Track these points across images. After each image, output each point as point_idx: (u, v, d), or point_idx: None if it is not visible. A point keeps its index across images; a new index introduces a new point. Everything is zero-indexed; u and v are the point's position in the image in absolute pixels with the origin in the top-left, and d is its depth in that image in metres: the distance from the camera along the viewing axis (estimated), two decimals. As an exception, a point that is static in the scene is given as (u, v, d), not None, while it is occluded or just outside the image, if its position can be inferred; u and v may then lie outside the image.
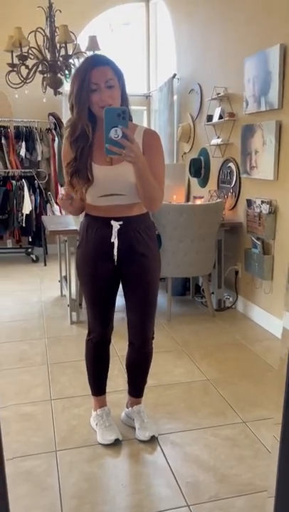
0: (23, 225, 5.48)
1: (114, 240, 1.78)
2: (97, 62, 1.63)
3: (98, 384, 2.09)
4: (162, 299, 3.57)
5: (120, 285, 1.95)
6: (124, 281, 1.92)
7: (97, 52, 3.72)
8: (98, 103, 1.63)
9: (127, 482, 1.78)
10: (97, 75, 1.61)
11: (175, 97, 5.06)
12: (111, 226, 1.77)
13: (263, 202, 3.26)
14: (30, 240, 5.74)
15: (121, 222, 1.77)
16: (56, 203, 5.70)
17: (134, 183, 1.70)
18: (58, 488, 1.74)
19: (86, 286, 1.92)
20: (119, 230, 1.77)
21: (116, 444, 1.98)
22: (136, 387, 2.12)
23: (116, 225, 1.77)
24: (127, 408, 2.16)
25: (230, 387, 2.49)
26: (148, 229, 1.86)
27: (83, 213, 1.92)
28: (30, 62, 3.88)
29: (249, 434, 2.07)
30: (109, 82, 1.63)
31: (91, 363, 2.06)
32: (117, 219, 1.78)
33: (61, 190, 1.79)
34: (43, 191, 5.60)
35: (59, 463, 1.88)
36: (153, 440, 2.02)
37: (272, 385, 2.52)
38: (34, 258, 5.67)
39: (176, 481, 1.77)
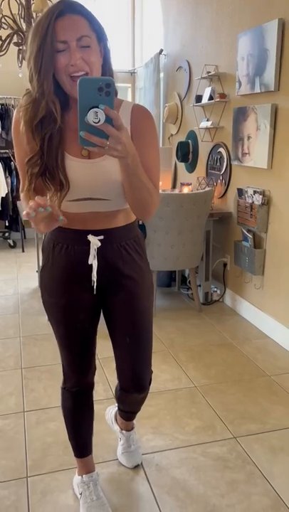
0: None
1: (94, 261, 1.32)
2: (65, 10, 1.12)
3: (81, 442, 1.63)
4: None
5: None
6: (107, 315, 1.48)
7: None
8: (66, 70, 1.13)
9: (106, 515, 1.59)
10: (64, 27, 1.11)
11: (162, 75, 4.75)
12: (88, 242, 1.32)
13: (255, 192, 3.04)
14: (6, 224, 5.45)
15: (101, 237, 1.32)
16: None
17: (120, 184, 1.24)
18: (29, 524, 1.54)
19: (56, 323, 1.46)
20: (98, 248, 1.32)
21: None
22: (128, 414, 1.78)
23: (95, 242, 1.31)
24: (116, 422, 1.88)
25: (219, 396, 2.31)
26: (136, 242, 1.41)
27: None
28: (3, 33, 3.55)
29: (241, 452, 1.90)
30: (83, 41, 1.12)
31: (69, 418, 1.60)
32: (95, 232, 1.32)
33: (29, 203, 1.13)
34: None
35: (30, 492, 1.68)
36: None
37: (265, 392, 2.35)
38: (11, 243, 5.40)
39: (162, 514, 1.59)
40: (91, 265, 1.33)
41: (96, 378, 2.30)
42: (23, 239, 5.29)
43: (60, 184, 1.21)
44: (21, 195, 1.29)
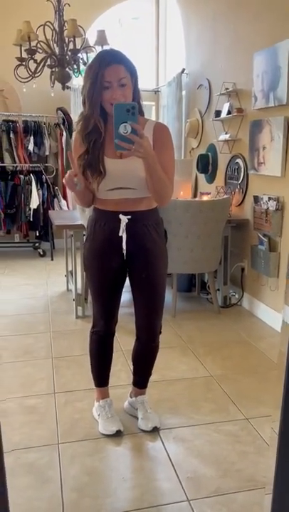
0: (31, 219, 5.51)
1: (123, 233, 1.78)
2: (111, 61, 1.64)
3: (101, 375, 2.10)
4: (168, 295, 3.51)
5: (127, 279, 1.96)
6: (131, 276, 1.92)
7: (106, 47, 3.72)
8: (110, 101, 1.65)
9: (127, 476, 1.78)
10: (110, 73, 1.63)
11: (184, 92, 5.04)
12: (119, 220, 1.77)
13: (270, 198, 3.24)
14: (37, 234, 5.76)
15: (129, 217, 1.77)
16: (64, 197, 5.72)
17: (143, 178, 1.70)
18: (60, 480, 1.75)
19: (93, 280, 1.93)
20: (127, 224, 1.77)
21: (117, 435, 2.00)
22: (141, 378, 2.14)
23: (124, 219, 1.77)
24: (131, 398, 2.19)
25: (234, 384, 2.48)
26: (156, 224, 1.85)
27: (91, 208, 1.91)
28: (38, 57, 3.88)
29: (251, 430, 2.07)
30: (122, 81, 1.65)
31: (95, 355, 2.07)
32: (125, 213, 1.78)
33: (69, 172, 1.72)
34: (51, 186, 5.60)
35: (61, 456, 1.89)
36: (155, 434, 2.03)
37: (278, 383, 2.50)
38: (41, 253, 5.69)
39: (177, 476, 1.77)
40: (121, 237, 1.78)
41: (119, 366, 2.57)
42: (53, 249, 5.59)
43: (99, 173, 1.71)
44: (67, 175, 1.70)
